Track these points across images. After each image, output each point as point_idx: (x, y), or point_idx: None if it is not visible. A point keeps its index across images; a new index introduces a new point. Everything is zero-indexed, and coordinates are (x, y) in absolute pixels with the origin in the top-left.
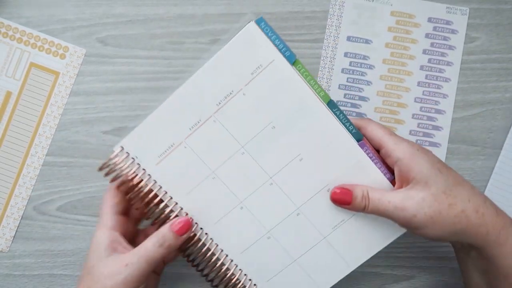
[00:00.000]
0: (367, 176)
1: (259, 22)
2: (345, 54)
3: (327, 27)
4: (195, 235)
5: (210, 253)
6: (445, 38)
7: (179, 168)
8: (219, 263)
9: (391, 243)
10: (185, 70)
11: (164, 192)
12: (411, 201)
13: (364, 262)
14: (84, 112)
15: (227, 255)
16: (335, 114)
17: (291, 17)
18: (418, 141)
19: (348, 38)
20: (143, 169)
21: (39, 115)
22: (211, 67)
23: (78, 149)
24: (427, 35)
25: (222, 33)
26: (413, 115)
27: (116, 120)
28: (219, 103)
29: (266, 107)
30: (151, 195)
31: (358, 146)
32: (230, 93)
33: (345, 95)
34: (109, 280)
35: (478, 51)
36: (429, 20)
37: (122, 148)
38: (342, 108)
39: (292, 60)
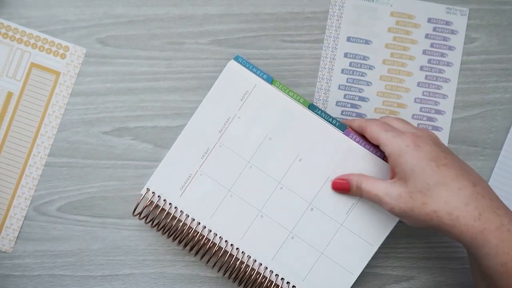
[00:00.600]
0: (361, 158)
1: (236, 58)
2: (345, 55)
3: (327, 27)
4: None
5: (244, 265)
6: (445, 39)
7: (200, 194)
8: (254, 273)
9: (392, 241)
10: (185, 70)
11: (191, 219)
12: (391, 195)
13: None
14: (84, 112)
15: (261, 264)
16: (317, 114)
17: (291, 18)
18: None
19: (348, 39)
20: (170, 203)
21: (40, 115)
22: (207, 104)
23: (78, 149)
24: (427, 36)
25: (222, 33)
26: (413, 115)
27: (116, 120)
28: (221, 130)
29: (260, 123)
30: (185, 228)
31: (343, 134)
32: (228, 119)
33: (345, 95)
34: None
35: (478, 51)
36: (429, 20)
37: (148, 189)
38: (342, 108)
39: (270, 80)
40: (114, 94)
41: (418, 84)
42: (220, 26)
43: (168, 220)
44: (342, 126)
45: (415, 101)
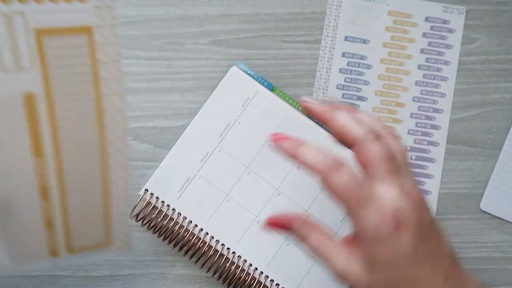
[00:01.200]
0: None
1: (238, 65)
2: (343, 54)
3: (324, 27)
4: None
5: (239, 270)
6: (442, 37)
7: (198, 197)
8: (249, 278)
9: None
10: (185, 71)
11: (188, 222)
12: (348, 274)
13: None
14: None
15: (256, 269)
16: (317, 122)
17: (290, 18)
18: (417, 141)
19: (346, 38)
20: (167, 205)
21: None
22: (208, 108)
23: None
24: (424, 35)
25: (222, 34)
26: (411, 114)
27: None
28: (221, 135)
29: (260, 129)
30: (181, 231)
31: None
32: (228, 125)
33: (343, 95)
34: None
35: (478, 52)
36: (426, 19)
37: (147, 190)
38: None
39: (271, 87)
40: None
41: (416, 83)
42: (220, 27)
43: (165, 222)
44: None
45: (413, 100)
